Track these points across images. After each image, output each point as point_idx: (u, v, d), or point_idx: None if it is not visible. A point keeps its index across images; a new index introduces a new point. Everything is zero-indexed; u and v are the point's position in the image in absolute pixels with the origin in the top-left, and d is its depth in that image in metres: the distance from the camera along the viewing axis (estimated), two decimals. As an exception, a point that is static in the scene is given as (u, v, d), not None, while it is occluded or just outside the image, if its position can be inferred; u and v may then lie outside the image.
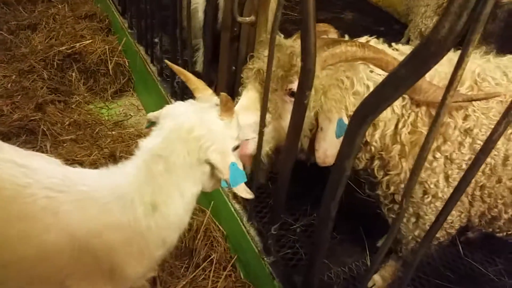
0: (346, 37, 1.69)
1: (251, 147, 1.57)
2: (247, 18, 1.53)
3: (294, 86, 1.44)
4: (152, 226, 1.27)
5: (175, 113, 1.29)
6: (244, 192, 1.35)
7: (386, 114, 1.47)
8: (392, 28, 5.62)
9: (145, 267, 1.33)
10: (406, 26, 4.88)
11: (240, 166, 1.38)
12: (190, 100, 1.37)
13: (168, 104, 2.69)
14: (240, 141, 1.41)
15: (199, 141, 1.25)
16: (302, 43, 1.25)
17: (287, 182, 1.54)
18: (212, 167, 1.30)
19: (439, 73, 1.48)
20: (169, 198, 1.29)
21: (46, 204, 1.18)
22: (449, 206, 0.94)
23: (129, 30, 3.50)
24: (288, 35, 1.65)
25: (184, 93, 2.61)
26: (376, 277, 2.32)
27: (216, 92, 2.11)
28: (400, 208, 1.05)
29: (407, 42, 4.71)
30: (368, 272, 1.30)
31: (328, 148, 1.50)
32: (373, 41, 1.64)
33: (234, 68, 1.81)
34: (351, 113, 1.48)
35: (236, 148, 1.37)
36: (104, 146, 2.71)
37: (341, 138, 1.46)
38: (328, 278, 2.31)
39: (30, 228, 1.19)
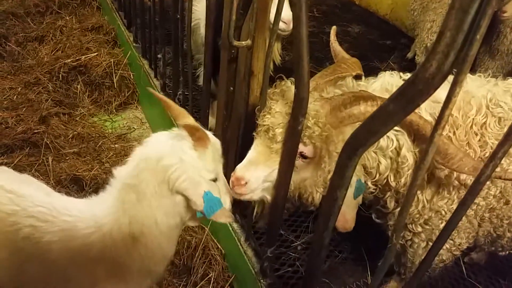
0: (363, 79, 1.60)
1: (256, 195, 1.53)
2: (243, 43, 1.53)
3: (305, 150, 1.41)
4: (135, 257, 1.25)
5: (150, 141, 1.26)
6: (223, 217, 1.30)
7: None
8: (399, 42, 5.60)
9: None
10: (413, 40, 4.86)
11: (220, 194, 1.32)
12: (174, 129, 1.31)
13: (169, 118, 2.71)
14: (217, 174, 1.33)
15: (167, 171, 1.20)
16: (295, 72, 1.25)
17: (282, 208, 1.53)
18: (186, 198, 1.24)
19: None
20: (146, 228, 1.24)
21: (29, 234, 1.18)
22: (437, 246, 0.93)
23: (134, 44, 3.52)
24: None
25: (185, 107, 2.62)
26: (378, 298, 2.30)
27: (217, 110, 2.12)
28: (390, 242, 1.03)
29: (414, 57, 4.69)
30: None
31: (346, 211, 1.46)
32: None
33: (232, 88, 1.81)
34: (371, 170, 1.47)
35: (214, 180, 1.31)
36: (105, 161, 2.73)
37: (359, 199, 1.42)
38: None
39: (15, 254, 1.19)
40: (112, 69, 3.51)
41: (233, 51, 1.66)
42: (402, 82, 1.16)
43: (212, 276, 2.17)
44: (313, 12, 6.37)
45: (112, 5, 4.10)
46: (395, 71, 1.61)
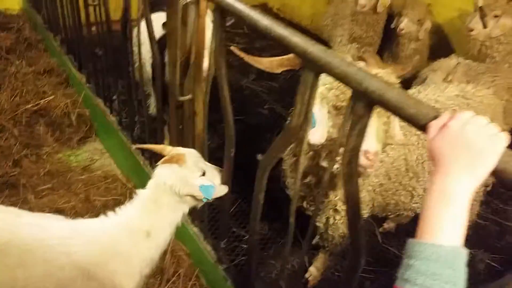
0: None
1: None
2: (186, 97, 2.12)
3: None
4: (146, 248, 1.86)
5: (156, 174, 1.90)
6: (220, 192, 1.98)
7: None
8: (321, 50, 6.36)
9: (136, 284, 1.88)
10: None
11: (209, 182, 1.94)
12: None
13: (127, 147, 3.22)
14: (203, 169, 1.95)
15: (172, 188, 1.86)
16: (224, 119, 1.87)
17: (228, 209, 2.14)
18: (192, 195, 1.91)
19: None
20: (161, 226, 1.90)
21: (61, 249, 1.72)
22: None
23: (87, 85, 3.99)
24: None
25: (141, 138, 3.18)
26: (311, 269, 2.99)
27: (171, 143, 2.69)
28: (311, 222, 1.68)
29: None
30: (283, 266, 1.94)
31: None
32: None
33: (180, 126, 2.39)
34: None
35: (203, 174, 1.95)
36: (79, 192, 3.21)
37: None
38: (275, 275, 2.95)
39: (50, 268, 1.71)
40: (69, 109, 3.97)
41: (179, 100, 2.24)
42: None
43: (181, 272, 2.75)
44: (244, 29, 7.00)
45: (60, 49, 4.50)
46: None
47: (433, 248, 0.94)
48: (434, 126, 0.99)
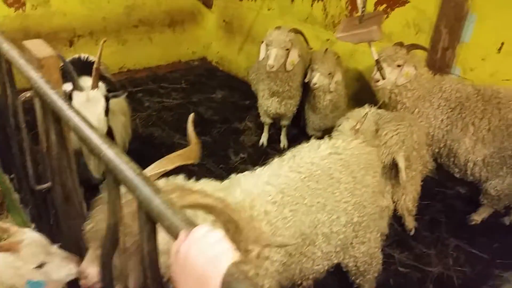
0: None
1: None
2: (44, 185, 2.06)
3: None
4: None
5: None
6: (60, 285, 1.85)
7: None
8: (255, 101, 6.35)
9: None
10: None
11: (41, 277, 1.79)
12: None
13: (28, 225, 3.10)
14: (42, 261, 1.79)
15: (4, 284, 1.74)
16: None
17: None
18: None
19: None
20: None
21: None
22: None
23: (-2, 161, 3.88)
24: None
25: (40, 220, 3.06)
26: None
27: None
28: None
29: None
30: None
31: None
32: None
33: (54, 211, 2.31)
34: None
35: (41, 265, 1.78)
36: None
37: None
38: None
39: None
40: (-22, 186, 3.82)
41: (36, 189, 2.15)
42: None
43: None
44: (181, 84, 7.07)
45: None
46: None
47: None
48: (172, 249, 0.96)
